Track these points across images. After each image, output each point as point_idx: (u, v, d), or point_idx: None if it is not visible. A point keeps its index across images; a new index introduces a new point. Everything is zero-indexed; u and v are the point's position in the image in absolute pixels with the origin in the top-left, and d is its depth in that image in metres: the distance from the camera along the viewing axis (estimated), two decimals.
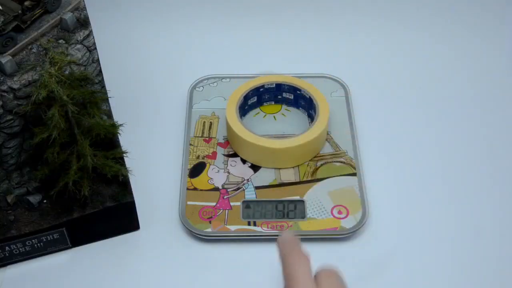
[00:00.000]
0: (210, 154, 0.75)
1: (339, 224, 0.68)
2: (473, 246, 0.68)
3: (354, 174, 0.72)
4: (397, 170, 0.75)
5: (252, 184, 0.72)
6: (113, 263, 0.67)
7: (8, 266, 0.66)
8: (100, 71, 0.61)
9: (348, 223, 0.68)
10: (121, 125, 0.62)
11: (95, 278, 0.66)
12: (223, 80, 0.83)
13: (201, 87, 0.82)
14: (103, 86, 0.62)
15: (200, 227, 0.68)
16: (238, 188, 0.71)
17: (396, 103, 0.82)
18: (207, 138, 0.76)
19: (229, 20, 0.90)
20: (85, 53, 0.60)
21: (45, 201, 0.65)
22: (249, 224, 0.68)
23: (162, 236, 0.69)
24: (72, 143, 0.60)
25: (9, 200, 0.64)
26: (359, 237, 0.69)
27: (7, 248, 0.64)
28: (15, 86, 0.57)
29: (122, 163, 0.64)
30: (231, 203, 0.70)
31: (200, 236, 0.68)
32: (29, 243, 0.65)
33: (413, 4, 0.89)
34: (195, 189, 0.71)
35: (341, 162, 0.74)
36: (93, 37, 0.60)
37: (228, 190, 0.71)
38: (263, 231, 0.68)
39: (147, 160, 0.74)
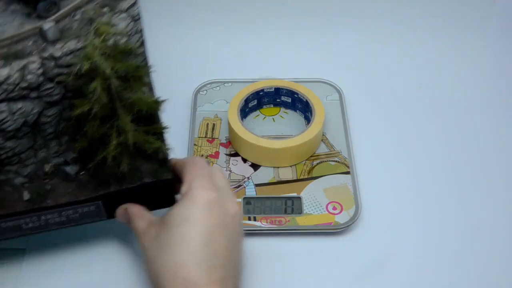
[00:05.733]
0: (213, 153, 0.75)
1: (334, 219, 0.68)
2: (463, 241, 0.68)
3: (347, 173, 0.72)
4: (388, 168, 0.75)
5: (252, 182, 0.72)
6: (122, 257, 0.67)
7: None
8: (143, 42, 0.56)
9: (342, 218, 0.68)
10: (164, 101, 0.57)
11: (104, 272, 0.66)
12: (226, 84, 0.82)
13: (205, 91, 0.82)
14: (145, 58, 0.57)
15: None
16: (239, 186, 0.71)
17: (387, 106, 0.82)
18: (210, 139, 0.76)
19: (231, 28, 0.90)
20: (129, 23, 0.55)
21: (82, 172, 0.59)
22: (249, 219, 0.68)
23: None
24: (112, 117, 0.55)
25: (46, 169, 0.59)
26: (352, 231, 0.69)
27: (42, 217, 0.58)
28: (57, 54, 0.53)
29: (162, 139, 0.59)
30: None
31: None
32: (64, 213, 0.59)
33: (405, 11, 0.89)
34: None
35: (336, 161, 0.74)
36: (139, 7, 0.54)
37: (230, 187, 0.71)
38: (263, 225, 0.68)
39: None
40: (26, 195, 0.58)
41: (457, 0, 0.87)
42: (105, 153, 0.55)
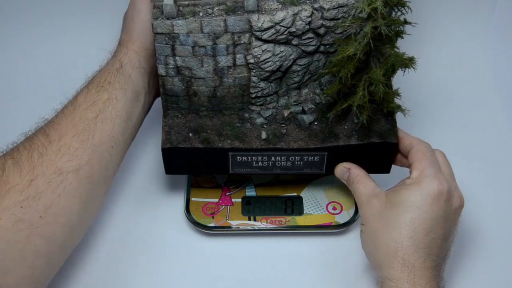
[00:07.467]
0: None
1: (334, 219, 0.68)
2: (463, 241, 0.68)
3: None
4: None
5: (252, 182, 0.71)
6: (124, 257, 0.67)
7: None
8: None
9: (342, 218, 0.68)
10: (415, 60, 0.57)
11: (110, 271, 0.66)
12: None
13: None
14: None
15: (204, 222, 0.68)
16: (239, 186, 0.71)
17: None
18: None
19: None
20: None
21: (315, 123, 0.63)
22: (249, 219, 0.68)
23: (168, 230, 0.69)
24: (363, 70, 0.57)
25: (285, 115, 0.63)
26: (352, 231, 0.69)
27: (272, 158, 0.63)
28: (326, 6, 0.57)
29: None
30: (233, 200, 0.70)
31: (204, 231, 0.68)
32: (292, 158, 0.63)
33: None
34: (199, 186, 0.70)
35: None
36: None
37: (230, 187, 0.71)
38: (262, 225, 0.67)
39: (157, 158, 0.73)
40: (263, 135, 0.62)
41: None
42: (350, 102, 0.58)
